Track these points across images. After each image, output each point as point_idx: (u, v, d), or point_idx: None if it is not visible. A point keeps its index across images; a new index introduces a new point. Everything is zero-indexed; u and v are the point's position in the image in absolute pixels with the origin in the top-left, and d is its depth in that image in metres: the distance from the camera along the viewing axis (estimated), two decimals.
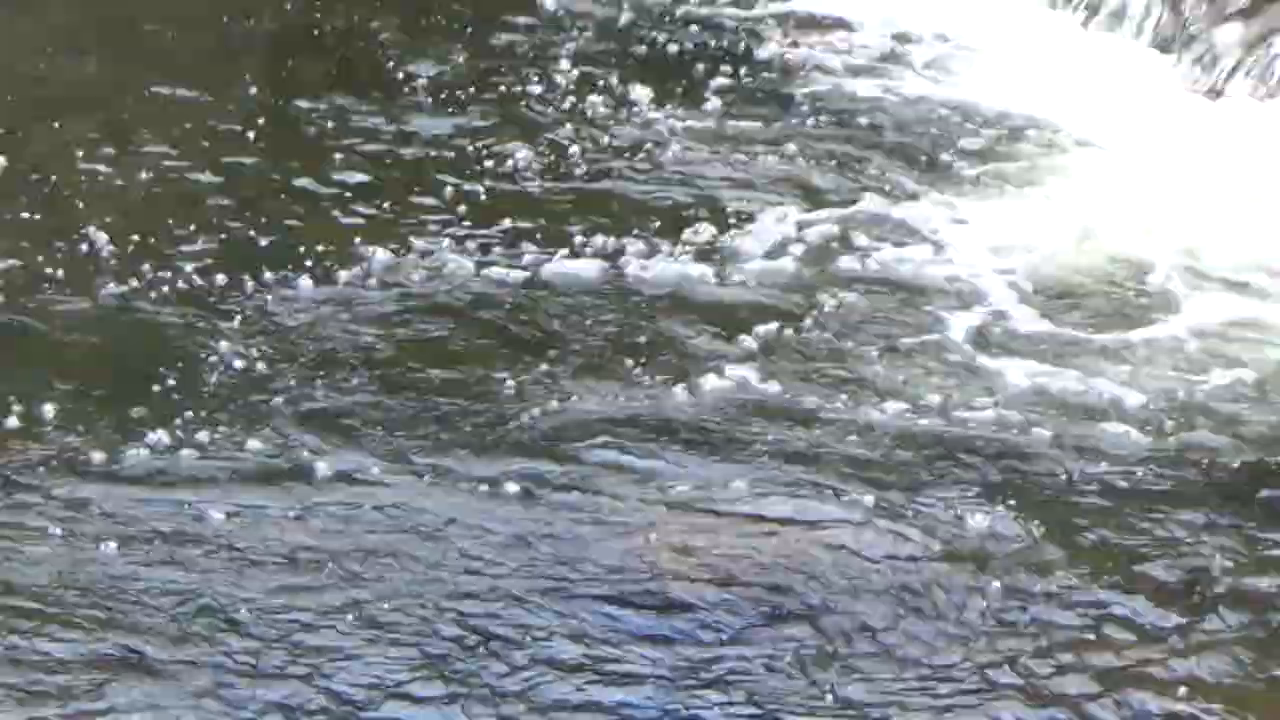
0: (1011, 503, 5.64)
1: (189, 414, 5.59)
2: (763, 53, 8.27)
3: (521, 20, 8.37)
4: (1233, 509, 5.80)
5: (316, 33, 8.37)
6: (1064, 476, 5.78)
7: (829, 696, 4.90)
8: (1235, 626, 5.29)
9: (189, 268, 6.54)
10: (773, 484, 5.74)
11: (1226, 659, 5.18)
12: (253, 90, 7.80)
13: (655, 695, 4.95)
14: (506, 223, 6.87)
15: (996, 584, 5.26)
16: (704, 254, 6.76)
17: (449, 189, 7.04)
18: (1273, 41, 8.15)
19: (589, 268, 6.62)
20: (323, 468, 5.50)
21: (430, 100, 7.78)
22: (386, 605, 5.07)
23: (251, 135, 7.37)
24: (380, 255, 6.56)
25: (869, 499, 5.50)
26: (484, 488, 5.50)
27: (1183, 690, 4.97)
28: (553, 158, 7.32)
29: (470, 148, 7.40)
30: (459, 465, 5.62)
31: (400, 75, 7.91)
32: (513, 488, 5.48)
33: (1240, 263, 7.06)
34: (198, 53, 8.14)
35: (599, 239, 6.72)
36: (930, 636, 5.16)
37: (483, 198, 7.05)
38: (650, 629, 5.13)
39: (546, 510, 5.50)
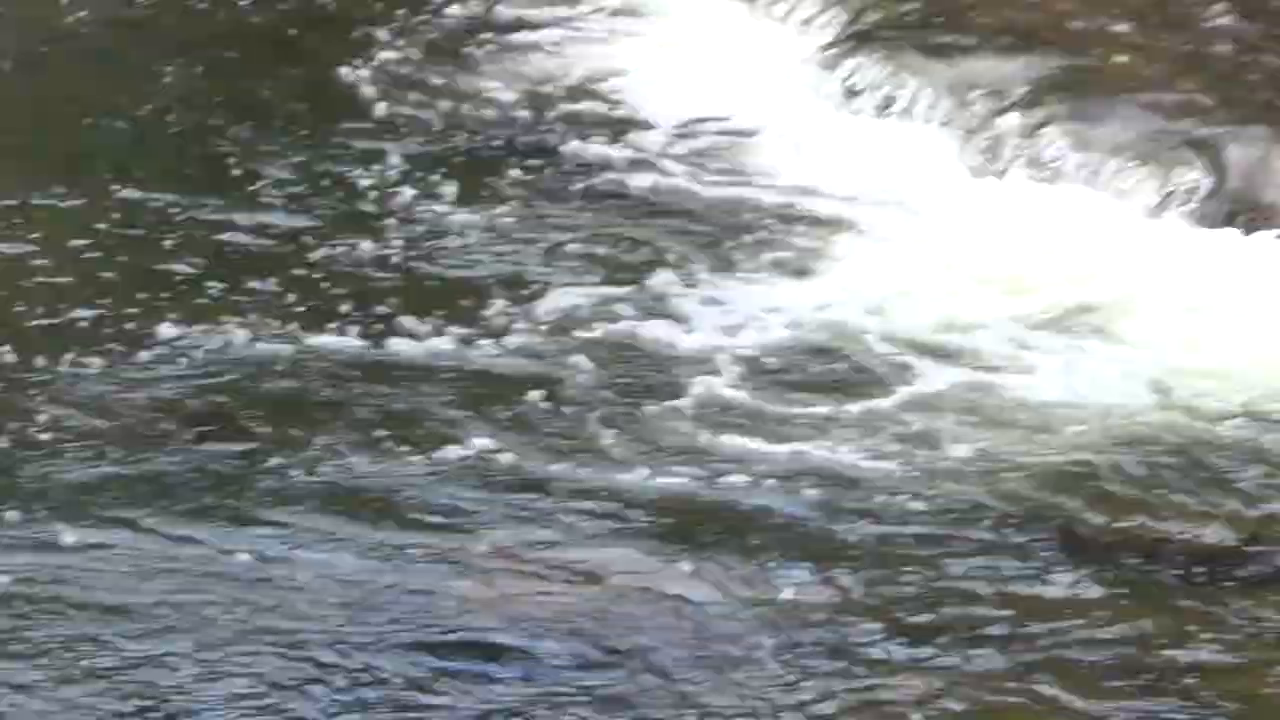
0: (782, 559, 6.06)
1: None
2: (564, 149, 8.64)
3: (355, 124, 8.79)
4: (991, 561, 6.19)
5: (170, 133, 8.73)
6: (821, 536, 6.16)
7: None
8: (999, 669, 5.67)
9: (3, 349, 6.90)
10: (554, 538, 6.13)
11: (993, 700, 5.57)
12: (108, 184, 8.14)
13: None
14: (322, 306, 7.25)
15: (778, 635, 5.68)
16: (484, 331, 7.14)
17: (274, 276, 7.42)
18: (1049, 129, 8.58)
19: (382, 346, 7.01)
20: (96, 534, 5.84)
21: (270, 196, 8.15)
22: (179, 664, 5.41)
23: (99, 226, 7.71)
24: (191, 337, 6.95)
25: (633, 558, 5.92)
26: (257, 550, 5.87)
27: None
28: (372, 246, 7.68)
29: (302, 238, 7.78)
30: (234, 528, 6.02)
31: (243, 174, 8.31)
32: (288, 550, 5.87)
33: (988, 337, 7.39)
34: (55, 148, 8.52)
35: (396, 319, 7.12)
36: (728, 684, 5.55)
37: (305, 284, 7.42)
38: (460, 676, 5.50)
39: (329, 570, 5.84)
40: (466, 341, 7.04)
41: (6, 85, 9.10)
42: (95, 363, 6.80)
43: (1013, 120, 8.66)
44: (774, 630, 5.78)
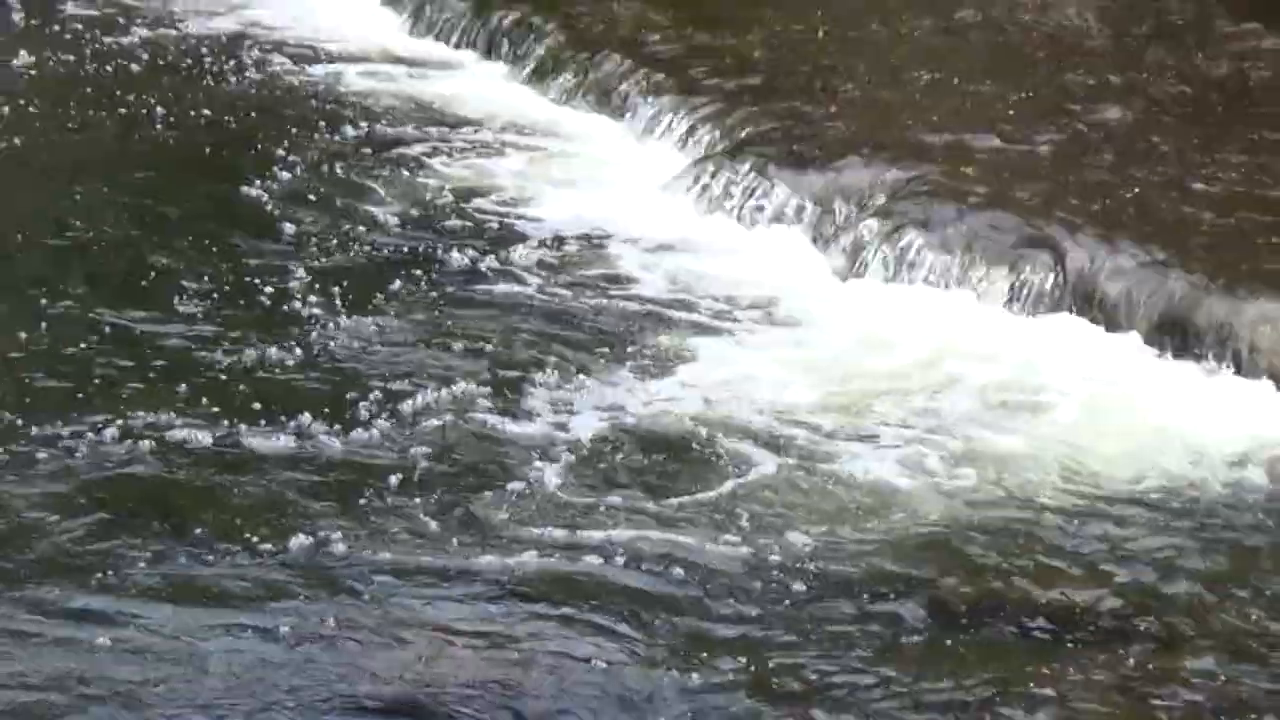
0: (637, 636, 6.25)
1: None
2: (445, 260, 8.81)
3: (258, 238, 9.00)
4: (854, 625, 6.40)
5: (96, 249, 8.91)
6: (660, 616, 6.31)
7: None
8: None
9: None
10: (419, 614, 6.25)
11: None
12: (35, 295, 8.27)
13: None
14: (218, 407, 7.37)
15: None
16: (364, 423, 7.28)
17: (177, 378, 7.59)
18: (903, 233, 8.84)
19: (270, 438, 7.14)
20: None
21: (178, 304, 8.32)
22: None
23: (23, 335, 7.84)
24: (94, 430, 7.08)
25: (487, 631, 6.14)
26: (158, 629, 6.02)
27: None
28: (270, 350, 7.85)
29: (206, 342, 7.98)
30: (133, 607, 6.14)
31: (154, 284, 8.50)
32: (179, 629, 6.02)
33: (845, 425, 7.58)
34: None
35: (283, 415, 7.28)
36: None
37: (207, 383, 7.60)
38: None
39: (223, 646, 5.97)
40: (349, 432, 7.24)
41: None
42: None
43: (872, 225, 8.95)
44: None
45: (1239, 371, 8.16)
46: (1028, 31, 11.05)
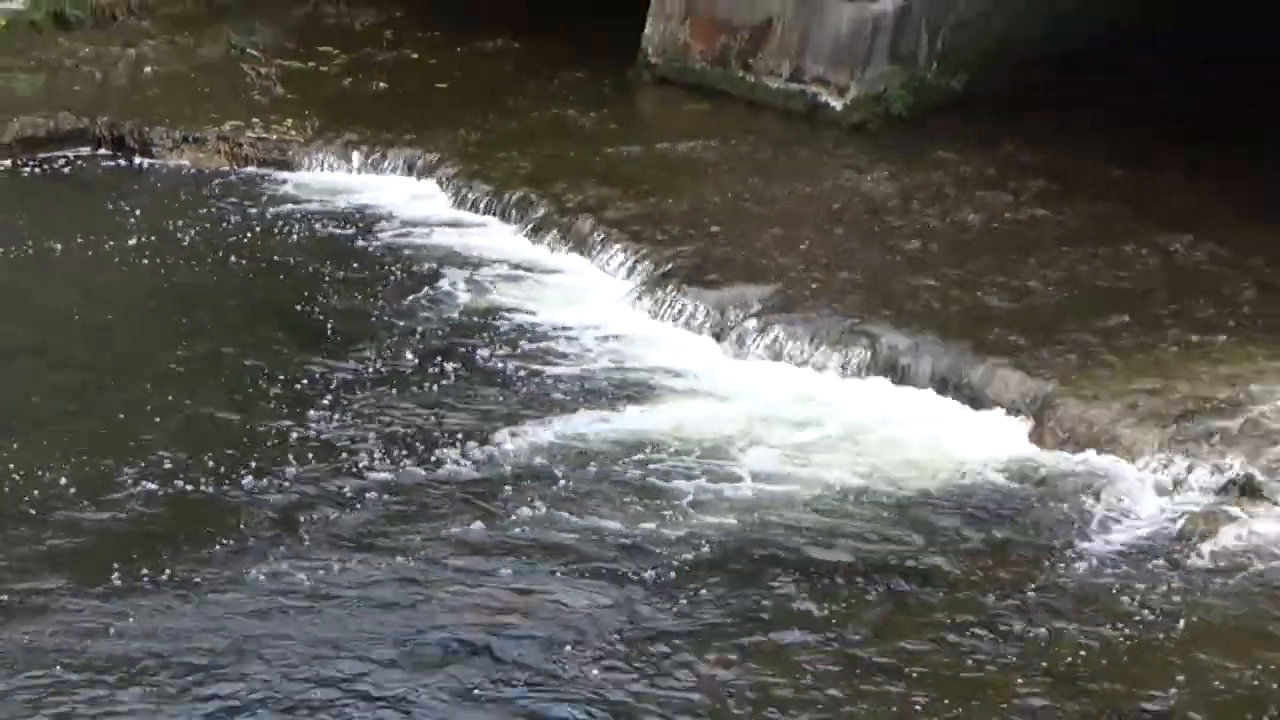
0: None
1: None
2: (464, 352, 9.34)
3: (318, 345, 9.29)
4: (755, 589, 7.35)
5: (189, 355, 9.20)
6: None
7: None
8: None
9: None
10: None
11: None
12: (146, 388, 8.77)
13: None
14: (252, 466, 8.03)
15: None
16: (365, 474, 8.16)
17: (219, 451, 8.16)
18: (774, 328, 9.62)
19: (304, 488, 7.99)
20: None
21: (252, 393, 8.77)
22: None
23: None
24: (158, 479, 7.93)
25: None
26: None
27: None
28: (295, 424, 8.42)
29: (263, 417, 8.50)
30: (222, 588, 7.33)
31: (236, 380, 8.91)
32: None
33: (733, 459, 8.25)
34: (120, 378, 9.02)
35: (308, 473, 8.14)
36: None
37: (241, 455, 8.20)
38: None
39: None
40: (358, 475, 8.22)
41: (103, 336, 9.65)
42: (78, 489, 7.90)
43: (751, 323, 9.77)
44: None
45: (979, 407, 9.04)
46: (850, 199, 11.40)
